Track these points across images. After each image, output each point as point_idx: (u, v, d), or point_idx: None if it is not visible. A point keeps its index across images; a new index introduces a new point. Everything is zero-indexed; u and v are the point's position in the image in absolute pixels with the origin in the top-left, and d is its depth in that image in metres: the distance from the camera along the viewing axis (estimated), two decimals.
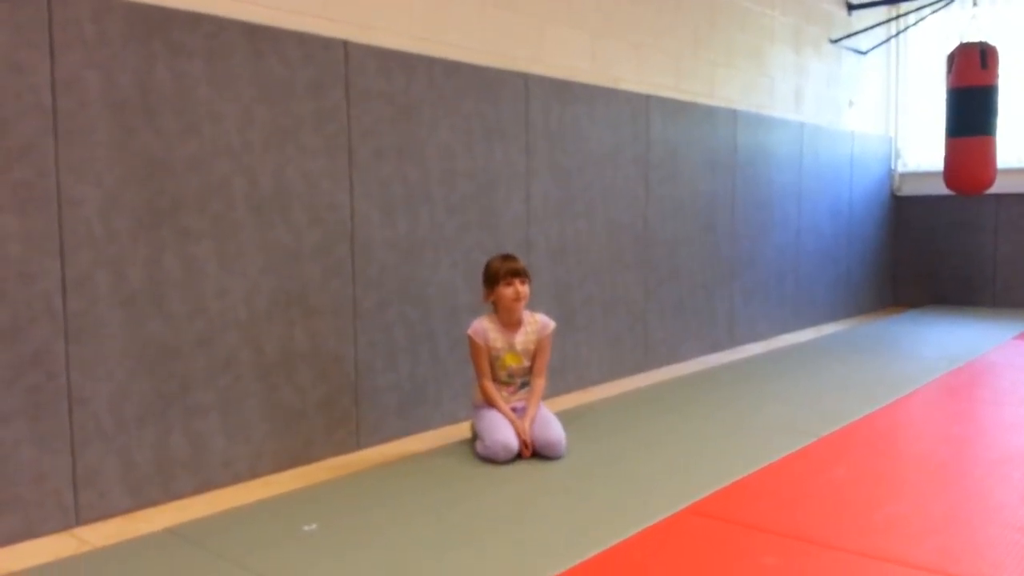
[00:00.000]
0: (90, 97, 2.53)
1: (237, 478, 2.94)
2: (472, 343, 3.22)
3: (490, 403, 3.19)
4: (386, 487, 2.81)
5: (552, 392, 4.07)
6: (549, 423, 3.14)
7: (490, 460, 3.03)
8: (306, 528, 2.44)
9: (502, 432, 3.05)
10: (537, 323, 3.29)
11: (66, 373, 2.51)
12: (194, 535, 2.43)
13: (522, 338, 3.25)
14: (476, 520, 2.49)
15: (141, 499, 2.70)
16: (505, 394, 3.24)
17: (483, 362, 3.22)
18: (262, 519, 2.55)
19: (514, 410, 3.19)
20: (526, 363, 3.27)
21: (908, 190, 7.82)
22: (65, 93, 2.47)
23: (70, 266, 2.51)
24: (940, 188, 6.87)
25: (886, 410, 3.75)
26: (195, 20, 2.77)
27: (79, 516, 2.56)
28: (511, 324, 3.24)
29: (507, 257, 3.24)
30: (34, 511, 2.47)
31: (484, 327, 3.22)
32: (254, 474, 2.99)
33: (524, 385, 3.28)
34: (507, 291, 3.17)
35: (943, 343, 5.53)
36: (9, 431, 2.41)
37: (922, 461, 3.02)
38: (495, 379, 3.24)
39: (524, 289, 3.19)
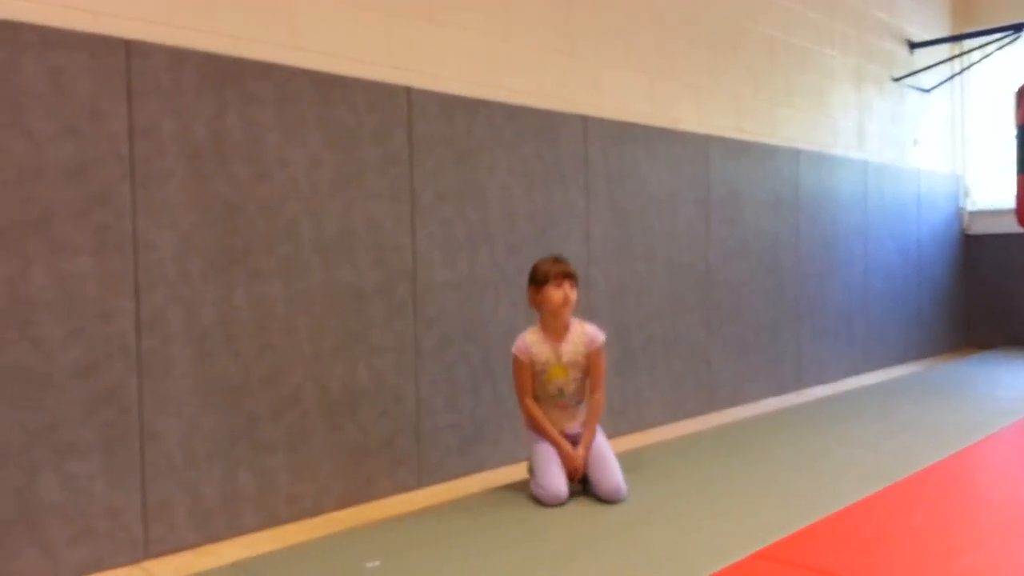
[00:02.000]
0: (165, 144, 2.65)
1: (301, 514, 2.97)
2: (516, 361, 3.10)
3: (533, 425, 3.09)
4: (446, 526, 2.80)
5: (613, 433, 4.01)
6: (607, 465, 3.02)
7: (540, 503, 2.99)
8: (369, 565, 2.44)
9: (553, 478, 2.96)
10: (586, 334, 3.14)
11: (138, 409, 2.59)
12: (259, 570, 2.45)
13: (569, 348, 3.10)
14: (534, 563, 2.45)
15: (208, 534, 2.74)
16: (558, 415, 3.12)
17: (526, 379, 3.09)
18: (326, 555, 2.56)
19: (569, 437, 3.10)
20: (575, 376, 3.12)
21: (978, 228, 7.58)
22: (142, 140, 2.60)
23: (144, 305, 2.60)
24: (1012, 226, 6.66)
25: (962, 454, 3.59)
26: (266, 70, 2.89)
27: (148, 549, 2.62)
28: (557, 332, 3.10)
29: (557, 259, 3.11)
30: (105, 544, 2.53)
31: (527, 342, 3.09)
32: (318, 510, 3.02)
33: (579, 403, 3.16)
34: (556, 294, 3.04)
35: (1018, 385, 5.28)
36: (84, 465, 2.49)
37: (1001, 508, 2.87)
38: (544, 398, 3.12)
39: (573, 294, 3.07)
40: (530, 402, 3.11)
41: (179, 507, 2.68)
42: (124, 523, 2.57)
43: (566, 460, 3.03)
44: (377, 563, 2.45)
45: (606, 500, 2.96)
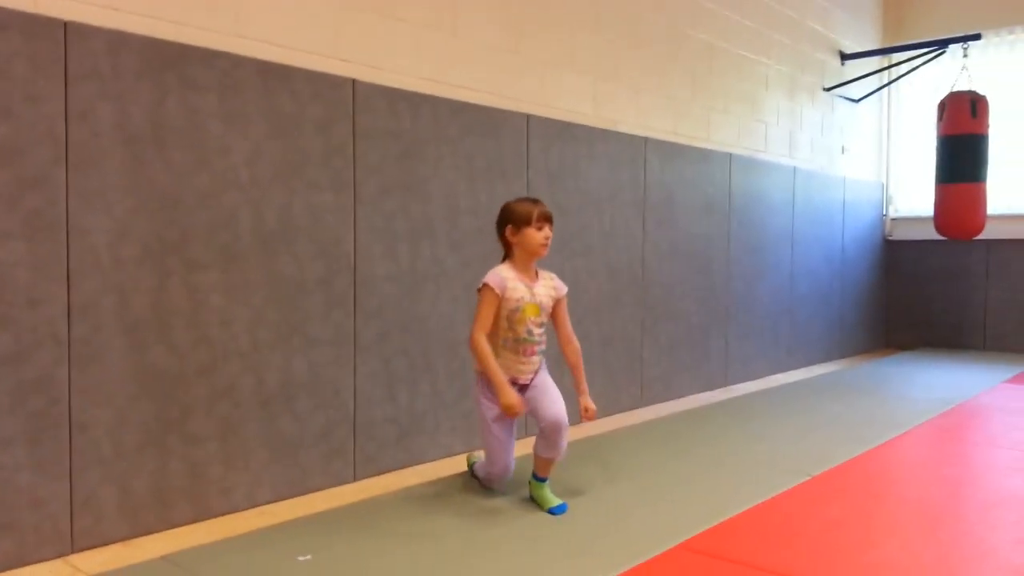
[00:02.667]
0: (102, 128, 2.59)
1: (234, 507, 2.95)
2: (486, 291, 2.87)
3: (481, 360, 2.87)
4: (380, 519, 2.82)
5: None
6: (549, 394, 2.94)
7: (488, 484, 3.04)
8: (300, 559, 2.45)
9: (505, 456, 2.98)
10: (552, 280, 3.04)
11: (67, 399, 2.54)
12: (189, 563, 2.43)
13: (541, 290, 2.97)
14: (467, 554, 2.50)
15: (137, 526, 2.70)
16: (516, 362, 2.94)
17: (489, 313, 2.88)
18: (257, 548, 2.55)
19: (524, 387, 2.95)
20: (543, 320, 2.98)
21: (900, 235, 7.93)
22: (78, 124, 2.54)
23: (76, 293, 2.55)
24: (931, 233, 6.99)
25: (878, 451, 3.78)
26: (209, 57, 2.84)
27: (74, 543, 2.57)
28: (529, 273, 2.97)
29: (536, 200, 2.96)
30: (30, 537, 2.47)
31: (503, 276, 2.90)
32: (251, 503, 3.00)
33: (540, 353, 3.00)
34: (538, 236, 2.89)
35: (934, 385, 5.57)
36: (8, 456, 2.42)
37: (914, 503, 3.04)
38: (509, 341, 2.92)
39: (551, 236, 2.95)
40: (483, 338, 2.88)
41: (107, 499, 2.63)
42: (50, 515, 2.51)
43: (513, 404, 2.84)
44: (308, 557, 2.46)
45: (549, 433, 2.89)
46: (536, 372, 3.01)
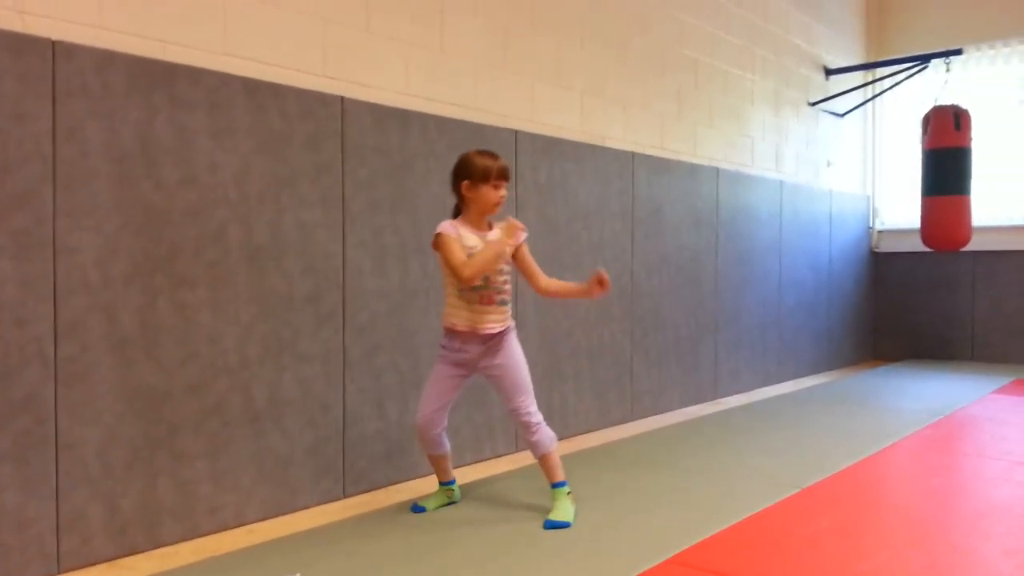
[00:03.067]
0: (90, 146, 2.59)
1: (223, 525, 2.93)
2: (444, 237, 2.81)
3: (472, 263, 2.76)
4: (370, 536, 2.81)
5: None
6: (516, 384, 2.92)
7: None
8: None
9: (430, 405, 2.98)
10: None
11: (54, 418, 2.52)
12: None
13: (494, 237, 2.89)
14: (457, 570, 2.49)
15: (125, 546, 2.68)
16: (474, 312, 2.87)
17: (457, 249, 2.79)
18: (246, 567, 2.54)
19: (482, 338, 2.89)
20: (504, 267, 2.90)
21: (886, 247, 7.99)
22: (66, 142, 2.54)
23: (63, 311, 2.54)
24: (918, 245, 7.05)
25: (867, 462, 3.80)
26: (197, 75, 2.85)
27: (61, 563, 2.54)
28: (480, 226, 2.91)
29: (494, 155, 2.87)
30: (15, 557, 2.45)
31: (453, 224, 2.87)
32: (240, 522, 2.98)
33: (503, 303, 2.93)
34: (493, 194, 2.84)
35: (923, 396, 5.60)
36: None
37: (903, 514, 3.05)
38: (464, 293, 2.87)
39: (506, 194, 2.91)
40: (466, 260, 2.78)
41: (95, 519, 2.61)
42: (36, 536, 2.49)
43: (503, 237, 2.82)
44: (297, 575, 2.45)
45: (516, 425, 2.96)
46: (503, 333, 2.93)
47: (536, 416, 2.92)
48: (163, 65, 2.77)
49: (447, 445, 3.11)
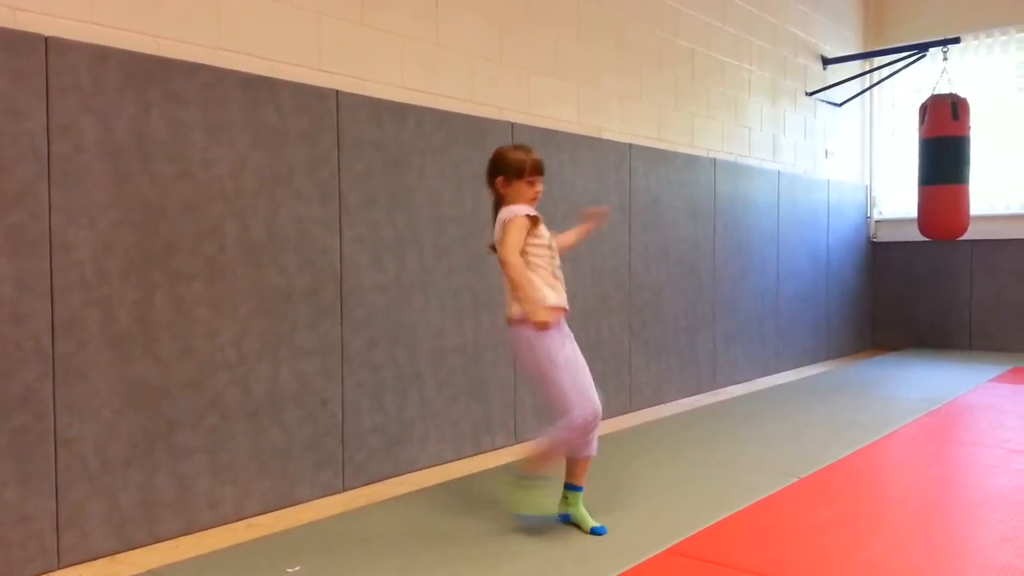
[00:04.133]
0: (85, 143, 2.58)
1: (222, 519, 2.94)
2: (519, 220, 2.67)
3: (522, 277, 2.62)
4: (370, 529, 2.82)
5: (537, 432, 4.09)
6: (589, 376, 2.75)
7: (571, 435, 2.67)
8: (290, 571, 2.44)
9: (592, 392, 2.68)
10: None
11: (53, 414, 2.52)
12: None
13: (545, 231, 2.80)
14: (457, 562, 2.50)
15: (125, 541, 2.69)
16: (561, 289, 2.76)
17: (521, 238, 2.67)
18: (246, 561, 2.55)
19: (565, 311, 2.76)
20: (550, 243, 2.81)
21: (884, 236, 7.99)
22: (60, 138, 2.53)
23: (60, 307, 2.54)
24: (915, 234, 7.05)
25: (866, 451, 3.81)
26: (192, 69, 2.85)
27: (61, 558, 2.55)
28: None
29: (528, 149, 2.79)
30: (15, 552, 2.45)
31: (531, 207, 2.75)
32: (239, 515, 2.99)
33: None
34: (528, 191, 2.76)
35: (921, 385, 5.61)
36: None
37: (902, 502, 3.06)
38: (548, 273, 2.74)
39: (541, 191, 2.82)
40: (519, 257, 2.66)
41: (94, 514, 2.62)
42: (36, 531, 2.49)
43: (549, 321, 2.63)
44: (298, 568, 2.46)
45: (584, 424, 2.68)
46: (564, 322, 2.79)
47: None
48: (157, 60, 2.76)
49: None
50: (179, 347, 2.82)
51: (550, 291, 2.73)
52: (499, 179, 2.79)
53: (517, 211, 2.70)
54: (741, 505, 2.98)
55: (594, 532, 2.72)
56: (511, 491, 2.77)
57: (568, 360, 2.72)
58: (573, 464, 2.81)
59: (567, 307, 2.78)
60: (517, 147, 2.84)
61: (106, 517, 2.64)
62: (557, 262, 2.80)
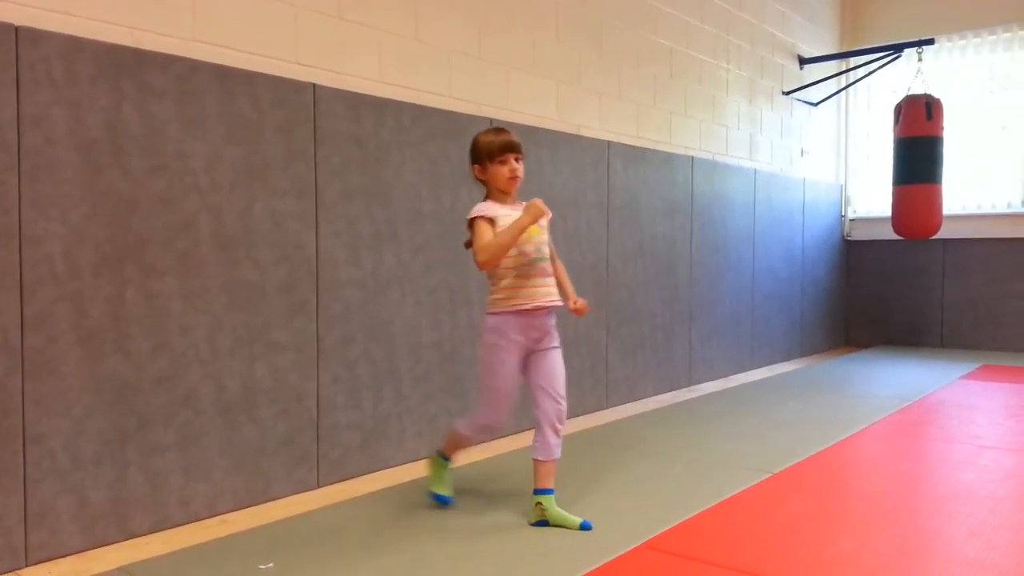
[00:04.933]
0: (57, 135, 2.55)
1: (195, 516, 2.92)
2: (478, 222, 2.68)
3: (496, 244, 2.64)
4: (344, 526, 2.81)
5: (514, 429, 4.10)
6: (557, 373, 2.79)
7: (464, 440, 2.87)
8: (262, 567, 2.43)
9: (506, 404, 2.75)
10: None
11: (21, 410, 2.49)
12: (148, 574, 2.40)
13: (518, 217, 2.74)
14: (431, 559, 2.49)
15: (95, 538, 2.66)
16: (539, 285, 2.73)
17: (489, 231, 2.68)
18: (218, 558, 2.53)
19: (545, 310, 2.76)
20: (547, 239, 2.81)
21: (858, 235, 8.08)
22: (31, 130, 2.49)
23: (29, 302, 2.50)
24: (889, 233, 7.14)
25: (838, 447, 3.85)
26: (166, 61, 2.81)
27: (28, 556, 2.51)
28: (512, 205, 2.80)
29: (500, 130, 2.79)
30: None
31: (488, 205, 2.75)
32: (212, 512, 2.97)
33: (552, 276, 2.82)
34: (502, 169, 2.73)
35: (893, 382, 5.68)
36: None
37: (872, 497, 3.10)
38: (522, 266, 2.72)
39: (520, 167, 2.77)
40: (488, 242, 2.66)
41: (63, 511, 2.59)
42: (3, 529, 2.46)
43: (538, 204, 2.67)
44: (270, 565, 2.44)
45: (544, 420, 2.76)
46: (552, 316, 2.79)
47: None
48: (131, 52, 2.73)
49: None
50: (151, 342, 2.79)
51: (507, 292, 2.74)
52: (475, 168, 2.81)
53: (477, 211, 2.73)
54: (715, 500, 3.01)
55: (583, 528, 2.71)
56: (429, 465, 3.01)
57: (502, 367, 2.75)
58: (535, 467, 2.78)
59: (538, 306, 2.75)
60: (489, 130, 2.84)
61: (76, 514, 2.61)
62: (533, 256, 2.74)
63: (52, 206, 2.54)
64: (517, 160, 2.77)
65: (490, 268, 2.73)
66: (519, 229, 2.65)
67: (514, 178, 2.76)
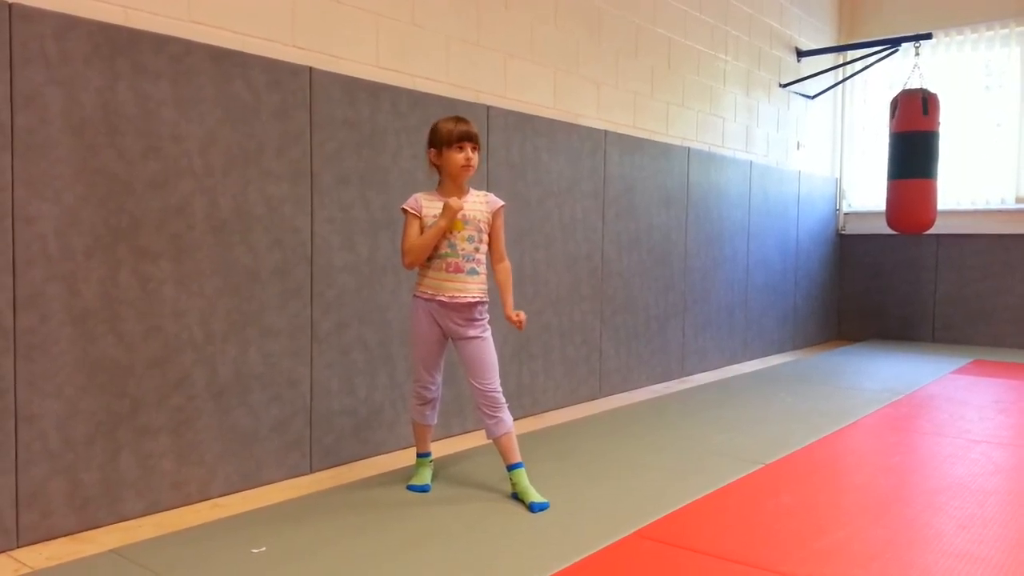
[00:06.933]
0: (50, 114, 2.52)
1: (187, 500, 2.91)
2: (406, 215, 2.85)
3: (417, 246, 2.82)
4: (336, 511, 2.80)
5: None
6: (487, 364, 2.90)
7: (418, 416, 3.06)
8: (254, 551, 2.43)
9: (429, 371, 2.97)
10: (485, 196, 2.94)
11: (13, 390, 2.47)
12: (140, 557, 2.39)
13: (470, 206, 2.86)
14: (422, 545, 2.50)
15: (87, 520, 2.65)
16: (444, 279, 2.85)
17: (414, 231, 2.83)
18: (210, 541, 2.52)
19: (455, 307, 2.86)
20: (471, 234, 2.86)
21: (852, 229, 8.09)
22: (24, 109, 2.47)
23: (22, 282, 2.48)
24: (883, 227, 7.16)
25: (829, 439, 3.87)
26: (162, 42, 2.79)
27: (20, 537, 2.51)
28: (454, 194, 2.87)
29: (460, 119, 2.86)
30: None
31: (417, 198, 2.88)
32: (204, 496, 2.96)
33: (472, 272, 2.88)
34: (457, 156, 2.81)
35: (884, 376, 5.71)
36: None
37: (863, 490, 3.11)
38: (434, 259, 2.86)
39: (475, 156, 2.84)
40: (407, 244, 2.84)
41: (55, 493, 2.58)
42: None
43: (451, 205, 2.79)
44: (262, 549, 2.44)
45: (481, 404, 2.89)
46: (478, 305, 2.90)
47: (501, 395, 2.92)
48: (126, 31, 2.70)
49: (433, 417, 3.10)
50: (145, 325, 2.77)
51: (419, 278, 2.92)
52: (431, 152, 2.89)
53: (407, 202, 2.88)
54: (706, 490, 3.02)
55: (533, 508, 2.79)
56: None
57: (421, 336, 2.94)
58: (496, 444, 2.93)
59: (441, 300, 2.87)
60: (448, 118, 2.91)
61: (68, 496, 2.60)
62: (442, 251, 2.84)
63: (45, 186, 2.52)
64: (473, 150, 2.85)
65: (414, 268, 2.93)
66: (437, 232, 2.81)
67: (468, 166, 2.85)
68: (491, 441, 2.95)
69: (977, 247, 7.34)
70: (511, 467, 2.91)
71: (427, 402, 3.04)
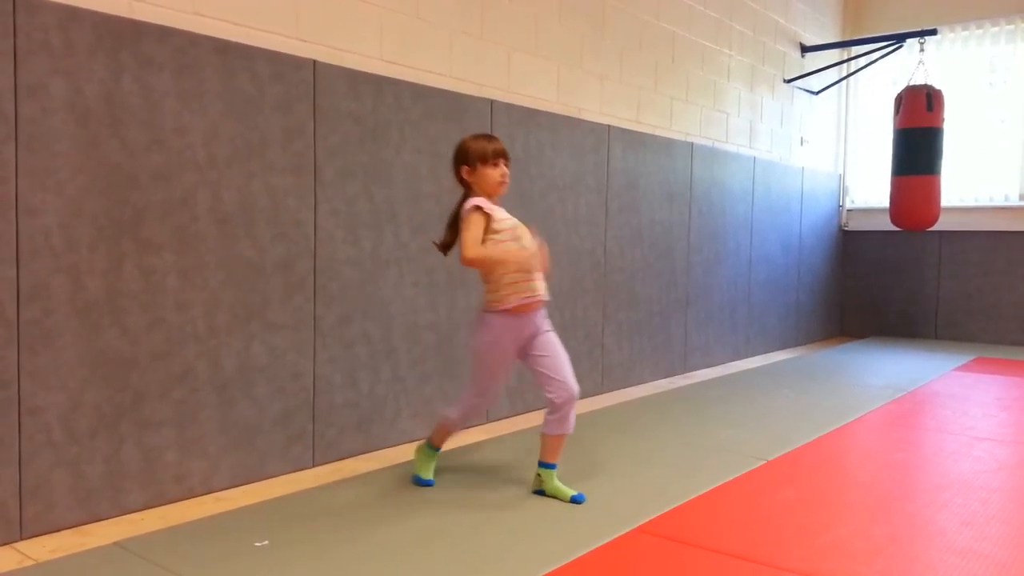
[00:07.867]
0: (54, 105, 2.52)
1: (190, 493, 2.91)
2: (475, 212, 2.73)
3: (488, 258, 2.74)
4: (339, 504, 2.81)
5: (510, 412, 4.11)
6: (563, 361, 2.90)
7: (453, 425, 2.99)
8: (257, 544, 2.43)
9: (495, 389, 2.91)
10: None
11: (17, 382, 2.47)
12: (143, 550, 2.39)
13: (502, 219, 2.84)
14: (425, 540, 2.50)
15: (90, 512, 2.65)
16: (533, 277, 2.82)
17: (478, 233, 2.73)
18: (213, 534, 2.52)
19: (531, 307, 2.84)
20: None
21: (855, 225, 8.08)
22: (28, 100, 2.46)
23: (25, 274, 2.48)
24: (886, 224, 7.13)
25: (832, 436, 3.86)
26: (166, 34, 2.78)
27: (23, 529, 2.51)
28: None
29: (490, 137, 2.88)
30: None
31: (483, 200, 2.79)
32: (207, 489, 2.96)
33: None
34: (493, 172, 2.80)
35: (887, 373, 5.70)
36: None
37: (866, 486, 3.11)
38: (516, 263, 2.79)
39: (508, 173, 2.87)
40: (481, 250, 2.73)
41: (58, 485, 2.58)
42: None
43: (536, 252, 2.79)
44: (265, 542, 2.44)
45: (561, 404, 2.86)
46: (542, 311, 2.90)
47: None
48: (130, 23, 2.69)
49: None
50: (148, 318, 2.77)
51: (513, 286, 2.82)
52: (463, 168, 2.85)
53: (476, 201, 2.78)
54: (710, 486, 3.02)
55: (574, 501, 2.83)
56: (416, 452, 3.08)
57: (491, 357, 2.89)
58: (545, 441, 2.90)
59: (534, 300, 2.85)
60: (478, 136, 2.91)
61: (71, 488, 2.60)
62: (526, 243, 2.83)
63: (49, 177, 2.51)
64: (506, 165, 2.87)
65: (474, 267, 2.81)
66: (519, 261, 2.78)
67: (504, 183, 2.86)
68: (544, 434, 2.88)
69: (980, 244, 7.33)
70: (550, 466, 2.89)
71: (480, 415, 2.99)
